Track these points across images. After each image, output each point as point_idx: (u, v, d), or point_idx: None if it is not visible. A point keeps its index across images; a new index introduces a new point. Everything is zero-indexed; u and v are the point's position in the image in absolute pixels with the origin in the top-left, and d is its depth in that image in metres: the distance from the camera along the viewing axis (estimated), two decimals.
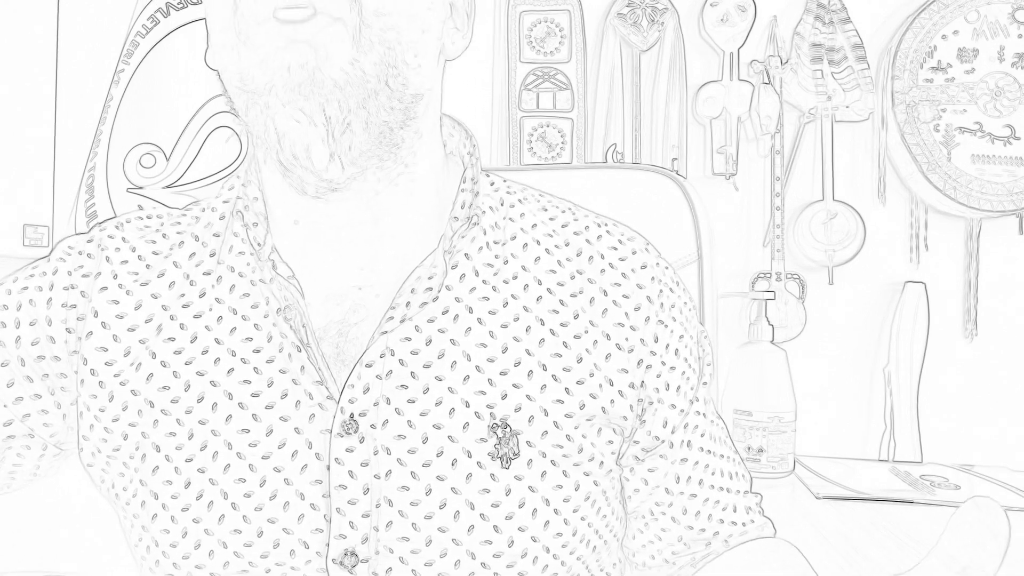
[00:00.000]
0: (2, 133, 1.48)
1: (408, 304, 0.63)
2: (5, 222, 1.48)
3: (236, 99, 0.61)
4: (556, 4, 1.48)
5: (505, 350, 0.64)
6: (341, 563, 0.60)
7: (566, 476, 0.63)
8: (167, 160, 1.23)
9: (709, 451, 0.72)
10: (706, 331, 0.75)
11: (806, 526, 1.10)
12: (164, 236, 0.69)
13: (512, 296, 0.65)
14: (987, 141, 1.41)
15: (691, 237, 1.00)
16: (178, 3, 1.24)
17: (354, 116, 0.59)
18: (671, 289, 0.70)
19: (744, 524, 0.74)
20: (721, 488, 0.73)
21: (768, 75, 1.45)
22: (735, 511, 0.73)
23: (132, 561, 0.69)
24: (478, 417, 0.62)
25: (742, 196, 1.47)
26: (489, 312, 0.64)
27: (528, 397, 0.63)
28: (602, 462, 0.66)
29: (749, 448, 1.28)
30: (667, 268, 0.71)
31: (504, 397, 0.62)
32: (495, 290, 0.65)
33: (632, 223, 0.75)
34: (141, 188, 1.23)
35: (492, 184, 0.71)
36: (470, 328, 0.64)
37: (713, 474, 0.72)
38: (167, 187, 1.22)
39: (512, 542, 0.62)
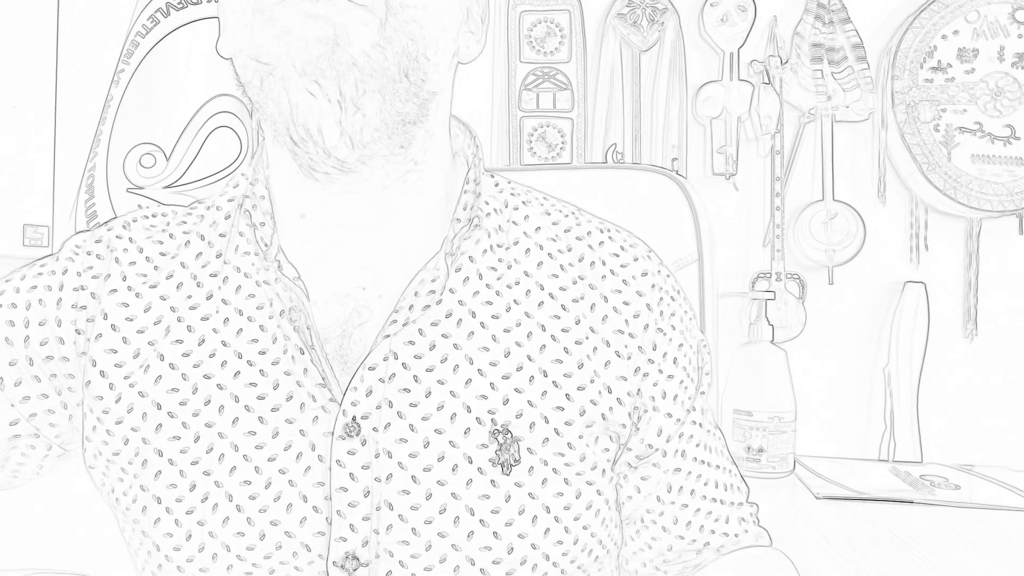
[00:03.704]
0: (2, 133, 1.48)
1: (411, 307, 0.63)
2: (5, 222, 1.48)
3: (250, 75, 0.60)
4: (556, 4, 1.48)
5: (507, 354, 0.64)
6: (342, 566, 0.60)
7: (567, 484, 0.63)
8: (167, 160, 1.22)
9: (703, 462, 0.72)
10: (706, 340, 0.75)
11: (806, 526, 1.10)
12: (171, 236, 0.69)
13: (514, 301, 0.66)
14: (987, 141, 1.41)
15: (691, 237, 1.00)
16: (178, 3, 1.24)
17: (368, 99, 0.58)
18: (672, 298, 0.70)
19: (737, 535, 0.73)
20: (714, 499, 0.72)
21: (768, 75, 1.45)
22: (727, 522, 0.73)
23: (132, 565, 0.68)
24: (479, 423, 0.62)
25: (742, 196, 1.47)
26: (492, 316, 0.65)
27: (529, 403, 0.63)
28: (604, 470, 0.66)
29: (749, 448, 1.28)
30: (668, 276, 0.71)
31: (506, 402, 0.63)
32: (498, 294, 0.65)
33: (632, 223, 0.75)
34: (141, 188, 1.23)
35: (496, 185, 0.71)
36: (473, 332, 0.64)
37: (706, 485, 0.72)
38: (167, 187, 1.22)
39: (511, 549, 0.61)
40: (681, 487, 0.71)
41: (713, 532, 0.72)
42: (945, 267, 1.44)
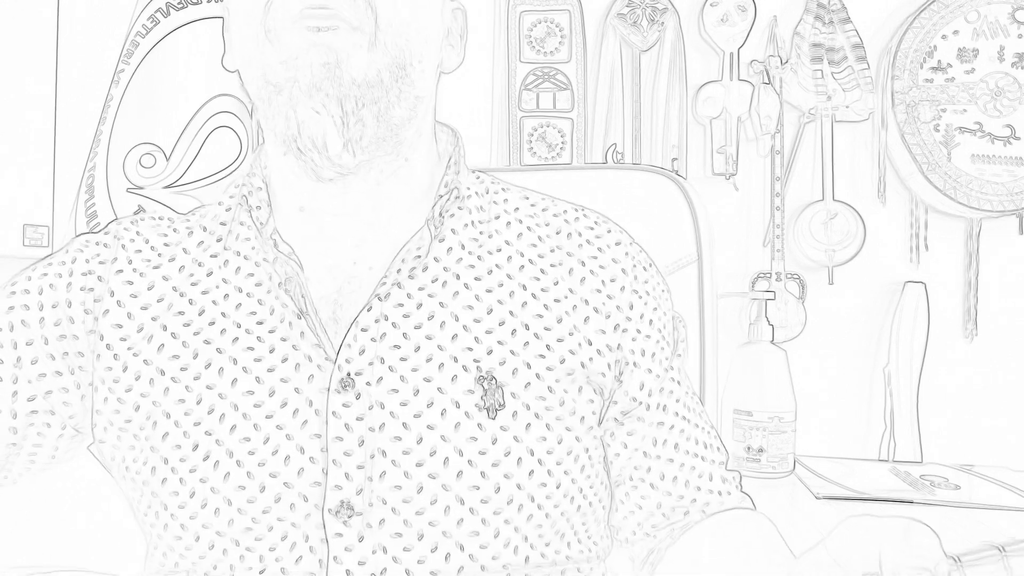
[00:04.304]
0: (2, 133, 1.48)
1: (399, 271, 0.68)
2: (5, 222, 1.48)
3: (258, 91, 0.67)
4: (556, 4, 1.48)
5: (490, 311, 0.69)
6: (336, 513, 0.63)
7: (549, 429, 0.68)
8: (167, 160, 1.22)
9: (685, 418, 0.77)
10: (682, 317, 0.80)
11: (806, 526, 1.10)
12: (175, 230, 0.76)
13: (496, 265, 0.71)
14: (987, 141, 1.41)
15: (691, 237, 1.01)
16: (178, 3, 1.24)
17: (367, 111, 0.65)
18: (644, 268, 0.76)
19: (721, 493, 0.77)
20: (696, 455, 0.77)
21: (768, 75, 1.45)
22: (711, 479, 0.77)
23: (135, 555, 0.72)
24: (465, 370, 0.67)
25: (742, 196, 1.47)
26: (475, 278, 0.70)
27: (512, 352, 0.68)
28: (583, 417, 0.70)
29: (749, 448, 1.28)
30: (640, 251, 0.77)
31: (489, 352, 0.68)
32: (480, 259, 0.71)
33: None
34: (141, 188, 1.23)
35: (478, 178, 0.77)
36: (457, 292, 0.69)
37: (688, 440, 0.76)
38: (167, 187, 1.22)
39: (499, 488, 0.65)
40: (665, 440, 0.75)
41: (699, 489, 0.76)
42: (945, 267, 1.44)
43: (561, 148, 1.48)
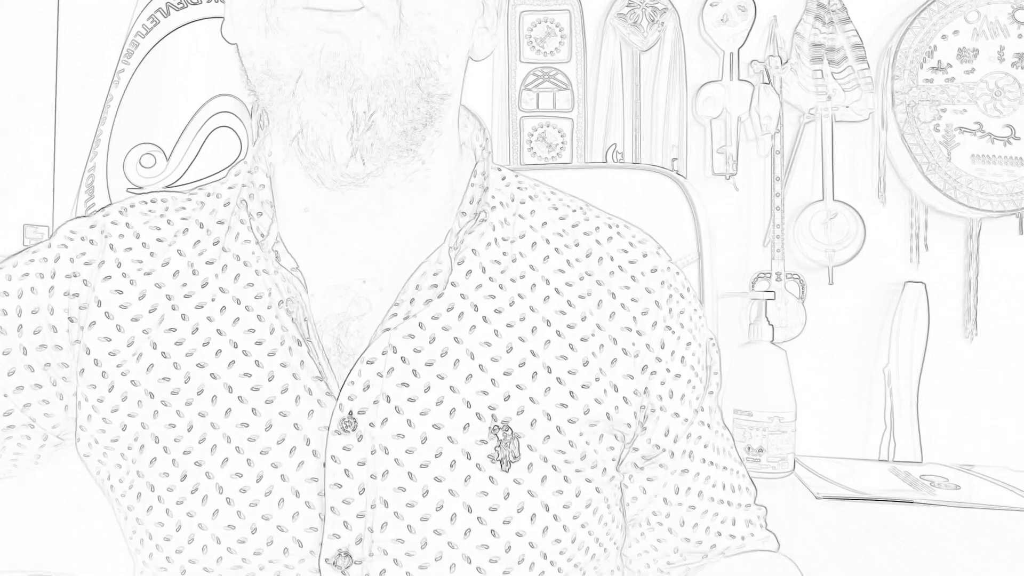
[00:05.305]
0: (2, 133, 1.48)
1: (412, 300, 0.62)
2: (5, 222, 1.48)
3: (259, 84, 0.59)
4: (556, 4, 1.48)
5: (510, 350, 0.62)
6: (335, 563, 0.59)
7: (567, 482, 0.62)
8: (167, 160, 1.23)
9: (711, 463, 0.71)
10: (715, 339, 0.74)
11: (806, 526, 1.10)
12: (169, 222, 0.68)
13: (519, 295, 0.64)
14: (987, 141, 1.41)
15: (691, 237, 1.00)
16: (178, 3, 1.24)
17: (381, 113, 0.58)
18: (681, 295, 0.69)
19: (743, 538, 0.72)
20: (721, 501, 0.71)
21: (768, 75, 1.45)
22: (734, 524, 0.72)
23: (128, 559, 0.68)
24: (479, 418, 0.60)
25: (742, 196, 1.47)
26: (495, 311, 0.63)
27: (531, 400, 0.61)
28: (604, 468, 0.64)
29: (749, 448, 1.28)
30: (678, 274, 0.70)
31: (507, 398, 0.61)
32: (502, 288, 0.64)
33: (632, 223, 0.75)
34: (141, 188, 1.23)
35: (503, 179, 0.70)
36: (474, 326, 0.62)
37: (714, 487, 0.71)
38: (167, 187, 1.23)
39: (509, 547, 0.60)
40: (689, 488, 0.70)
41: (720, 534, 0.71)
42: (945, 267, 1.44)
43: (561, 148, 1.48)
